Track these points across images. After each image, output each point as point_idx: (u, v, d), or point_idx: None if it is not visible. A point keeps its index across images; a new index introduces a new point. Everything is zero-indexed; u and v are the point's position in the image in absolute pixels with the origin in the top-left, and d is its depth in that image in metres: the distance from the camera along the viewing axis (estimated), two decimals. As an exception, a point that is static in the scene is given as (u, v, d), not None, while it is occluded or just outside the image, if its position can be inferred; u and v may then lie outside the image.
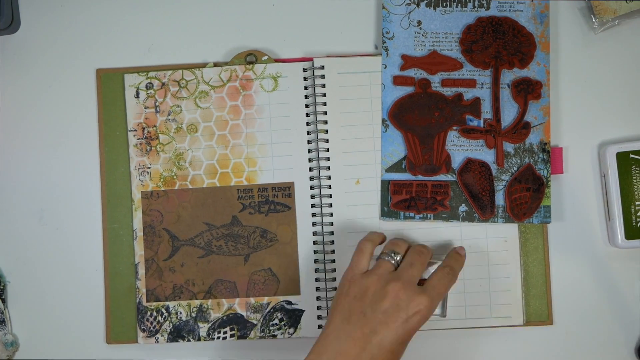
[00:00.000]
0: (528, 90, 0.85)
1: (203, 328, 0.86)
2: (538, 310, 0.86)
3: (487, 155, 0.85)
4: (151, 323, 0.86)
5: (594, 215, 0.87)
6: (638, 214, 0.85)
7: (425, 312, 0.73)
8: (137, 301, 0.86)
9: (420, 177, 0.86)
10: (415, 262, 0.77)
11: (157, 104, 0.88)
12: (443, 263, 0.79)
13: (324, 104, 0.86)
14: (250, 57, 0.88)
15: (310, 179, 0.87)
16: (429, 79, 0.86)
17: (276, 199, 0.87)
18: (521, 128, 0.85)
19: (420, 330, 0.85)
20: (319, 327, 0.85)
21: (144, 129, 0.88)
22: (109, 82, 0.88)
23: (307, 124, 0.87)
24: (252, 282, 0.86)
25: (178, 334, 0.86)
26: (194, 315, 0.86)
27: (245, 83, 0.87)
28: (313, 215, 0.86)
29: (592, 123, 0.88)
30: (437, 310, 0.80)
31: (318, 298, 0.86)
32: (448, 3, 0.86)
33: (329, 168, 0.86)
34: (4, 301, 0.88)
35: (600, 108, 0.88)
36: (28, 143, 0.89)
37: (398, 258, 0.78)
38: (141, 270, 0.86)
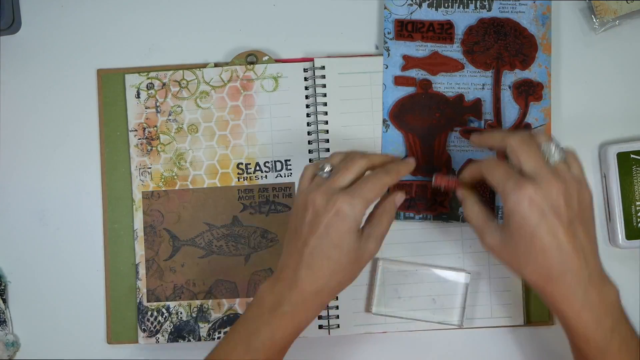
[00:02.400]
0: (529, 92, 0.85)
1: (203, 328, 0.86)
2: (539, 310, 0.86)
3: (488, 156, 0.85)
4: (152, 323, 0.86)
5: (595, 216, 0.87)
6: (639, 214, 0.85)
7: (346, 208, 0.70)
8: (138, 301, 0.86)
9: (420, 178, 0.86)
10: (340, 169, 0.73)
11: (157, 104, 0.88)
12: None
13: (325, 104, 0.86)
14: (251, 58, 0.88)
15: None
16: (430, 79, 0.86)
17: (277, 199, 0.87)
18: (522, 129, 0.85)
19: (421, 330, 0.85)
20: (320, 327, 0.85)
21: (144, 129, 0.88)
22: (110, 83, 0.88)
23: (308, 124, 0.87)
24: (252, 282, 0.86)
25: (179, 334, 0.86)
26: (194, 315, 0.86)
27: (246, 83, 0.87)
28: (314, 215, 0.86)
29: (593, 123, 0.88)
30: (455, 320, 0.84)
31: (319, 298, 0.86)
32: (450, 4, 0.86)
33: (329, 168, 0.86)
34: (4, 301, 0.88)
35: (601, 108, 0.88)
36: (29, 143, 0.88)
37: (327, 169, 0.74)
38: (142, 271, 0.86)
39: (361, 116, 0.86)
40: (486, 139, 0.76)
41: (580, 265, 0.68)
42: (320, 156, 0.86)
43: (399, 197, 0.77)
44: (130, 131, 0.88)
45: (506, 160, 0.71)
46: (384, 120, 0.86)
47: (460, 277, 0.84)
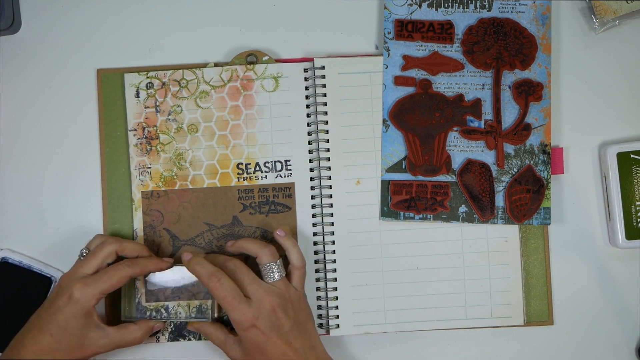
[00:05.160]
0: (529, 92, 0.85)
1: None
2: (538, 311, 0.86)
3: (488, 157, 0.85)
4: (152, 323, 0.86)
5: (595, 216, 0.87)
6: (638, 214, 0.85)
7: (77, 294, 0.77)
8: (137, 301, 0.86)
9: (420, 178, 0.86)
10: (89, 255, 0.81)
11: (157, 103, 0.88)
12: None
13: (325, 104, 0.86)
14: (251, 57, 0.88)
15: (310, 179, 0.87)
16: (430, 79, 0.86)
17: (277, 200, 0.87)
18: (522, 129, 0.85)
19: (421, 330, 0.85)
20: (320, 327, 0.85)
21: (144, 128, 0.88)
22: (110, 82, 0.88)
23: (308, 124, 0.87)
24: (252, 282, 0.86)
25: (179, 332, 0.86)
26: (193, 315, 0.85)
27: (246, 83, 0.87)
28: (313, 215, 0.86)
29: (593, 123, 0.88)
30: (206, 314, 0.84)
31: (318, 298, 0.86)
32: (450, 4, 0.86)
33: (329, 168, 0.86)
34: (4, 301, 0.88)
35: (601, 108, 0.88)
36: (28, 143, 0.88)
37: (83, 252, 0.82)
38: (142, 270, 0.86)
39: (361, 116, 0.86)
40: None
41: None
42: (321, 156, 0.86)
43: (151, 327, 0.84)
44: (130, 131, 0.88)
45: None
46: (384, 120, 0.86)
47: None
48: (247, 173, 0.87)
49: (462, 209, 0.85)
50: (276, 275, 0.80)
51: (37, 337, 0.76)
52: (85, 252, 0.82)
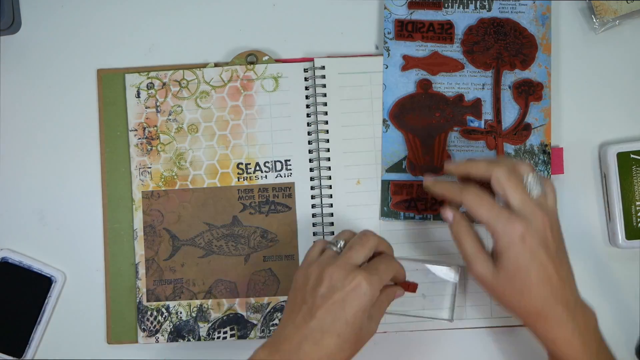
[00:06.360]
0: (529, 92, 0.85)
1: (203, 328, 0.86)
2: (538, 311, 0.86)
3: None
4: (151, 323, 0.86)
5: (595, 216, 0.87)
6: (639, 214, 0.85)
7: (364, 285, 0.69)
8: (138, 301, 0.86)
9: (420, 178, 0.86)
10: (355, 245, 0.73)
11: (157, 103, 0.88)
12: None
13: (325, 104, 0.86)
14: (251, 58, 0.88)
15: (310, 179, 0.87)
16: (430, 79, 0.86)
17: (277, 199, 0.87)
18: (522, 129, 0.85)
19: (421, 330, 0.85)
20: (320, 327, 0.85)
21: (144, 128, 0.88)
22: (110, 83, 0.88)
23: (308, 124, 0.87)
24: (252, 282, 0.86)
25: (178, 333, 0.86)
26: (194, 315, 0.86)
27: (246, 83, 0.87)
28: (313, 215, 0.86)
29: (593, 123, 0.88)
30: (445, 315, 0.84)
31: (318, 298, 0.86)
32: (450, 4, 0.86)
33: (329, 168, 0.86)
34: (4, 301, 0.88)
35: (601, 108, 0.88)
36: (28, 143, 0.88)
37: (340, 245, 0.74)
38: (142, 270, 0.86)
39: (361, 116, 0.86)
40: (468, 168, 0.75)
41: (568, 294, 0.71)
42: (321, 156, 0.86)
43: (400, 291, 0.78)
44: (130, 131, 0.88)
45: (486, 190, 0.73)
46: (384, 120, 0.86)
47: (449, 273, 0.84)
48: (247, 173, 0.87)
49: (462, 209, 0.85)
50: (535, 192, 0.72)
51: (320, 341, 0.68)
52: (343, 244, 0.74)
